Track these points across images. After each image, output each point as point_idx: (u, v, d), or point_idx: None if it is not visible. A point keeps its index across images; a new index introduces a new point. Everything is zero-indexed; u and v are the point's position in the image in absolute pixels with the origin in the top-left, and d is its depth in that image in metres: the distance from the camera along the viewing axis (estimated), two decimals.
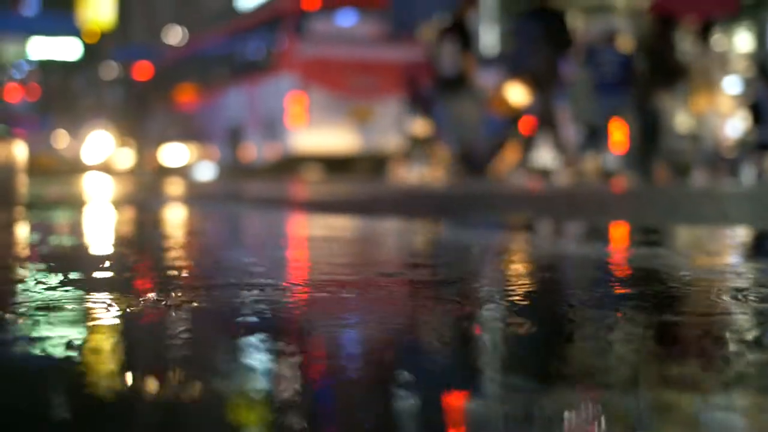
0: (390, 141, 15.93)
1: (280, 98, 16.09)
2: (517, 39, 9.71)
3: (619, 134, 11.60)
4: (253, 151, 17.22)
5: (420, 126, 14.33)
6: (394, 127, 15.95)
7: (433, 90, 12.86)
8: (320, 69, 15.73)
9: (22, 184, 5.03)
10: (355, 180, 12.30)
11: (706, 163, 10.88)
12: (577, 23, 11.49)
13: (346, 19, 16.50)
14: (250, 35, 18.60)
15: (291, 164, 16.36)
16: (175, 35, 32.45)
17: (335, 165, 16.24)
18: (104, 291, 1.77)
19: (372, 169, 16.37)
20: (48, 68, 28.64)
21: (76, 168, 21.64)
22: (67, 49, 36.78)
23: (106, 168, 22.95)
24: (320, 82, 15.70)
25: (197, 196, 7.12)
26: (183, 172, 20.24)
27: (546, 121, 9.99)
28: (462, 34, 11.68)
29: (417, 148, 14.45)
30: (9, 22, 40.08)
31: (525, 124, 13.13)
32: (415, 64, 15.06)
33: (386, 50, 16.19)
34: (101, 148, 23.56)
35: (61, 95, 24.10)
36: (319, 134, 15.67)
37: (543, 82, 9.57)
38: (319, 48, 15.84)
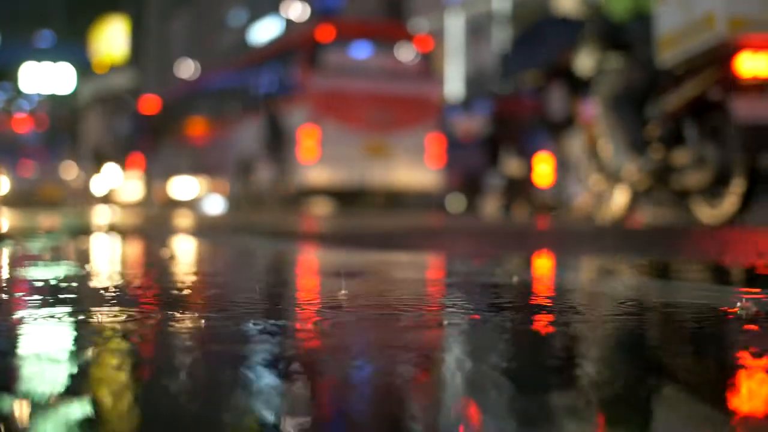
0: (405, 175, 15.61)
1: (292, 131, 15.79)
2: None
3: None
4: (264, 184, 16.90)
5: (515, 166, 14.33)
6: (408, 161, 15.64)
7: (536, 131, 13.04)
8: (333, 102, 15.43)
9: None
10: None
11: None
12: None
13: (361, 52, 16.23)
14: (262, 68, 18.37)
15: (302, 198, 16.02)
16: (187, 69, 32.39)
17: (348, 199, 15.88)
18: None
19: (386, 204, 16.01)
20: (57, 99, 28.63)
21: (84, 199, 21.36)
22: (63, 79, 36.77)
23: (114, 200, 22.67)
24: (333, 115, 15.39)
25: (205, 231, 6.75)
26: (192, 205, 19.93)
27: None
28: (570, 78, 11.76)
29: (513, 187, 14.50)
30: (24, 52, 40.30)
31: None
32: (507, 107, 15.20)
33: (401, 83, 15.91)
34: (110, 180, 23.32)
35: (70, 127, 23.92)
36: (332, 168, 15.33)
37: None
38: (332, 80, 15.55)
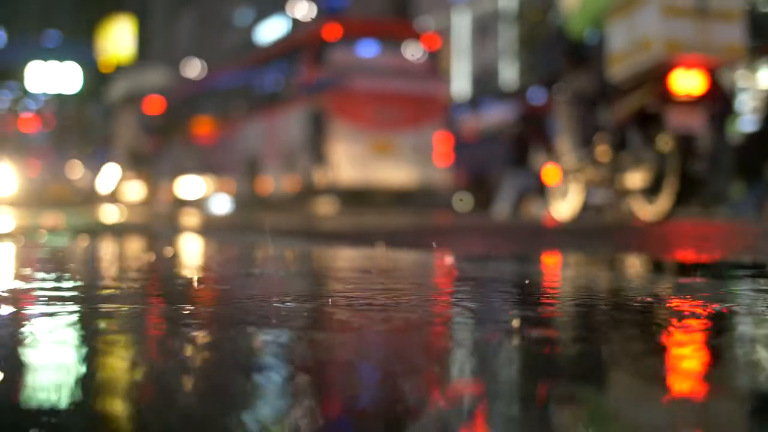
0: (412, 174, 15.54)
1: (299, 130, 15.73)
2: None
3: None
4: (271, 183, 16.85)
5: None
6: (415, 159, 15.57)
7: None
8: (340, 100, 15.35)
9: None
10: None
11: None
12: None
13: (368, 50, 16.16)
14: (269, 67, 18.32)
15: (309, 197, 15.96)
16: (193, 68, 32.37)
17: (355, 198, 15.80)
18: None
19: (393, 203, 15.94)
20: (63, 99, 28.62)
21: (90, 199, 21.34)
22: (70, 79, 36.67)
23: (120, 199, 22.65)
24: (340, 113, 15.32)
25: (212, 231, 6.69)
26: (199, 204, 19.90)
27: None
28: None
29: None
30: (30, 52, 40.35)
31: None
32: (534, 106, 15.18)
33: (408, 82, 15.83)
34: (116, 179, 23.29)
35: (77, 126, 23.90)
36: (339, 167, 15.26)
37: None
38: (339, 79, 15.47)
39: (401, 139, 15.54)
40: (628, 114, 7.52)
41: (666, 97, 7.08)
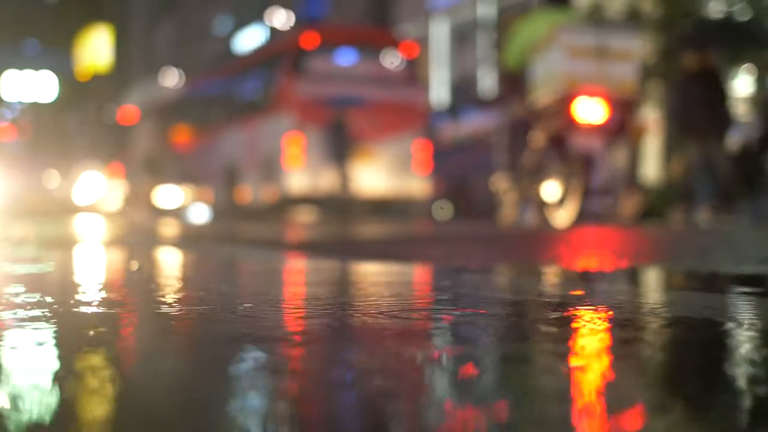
0: (391, 182, 15.50)
1: (277, 139, 15.66)
2: (681, 98, 10.52)
3: None
4: (250, 192, 16.76)
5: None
6: (394, 168, 15.54)
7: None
8: (319, 109, 15.29)
9: None
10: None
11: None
12: None
13: (346, 58, 16.13)
14: (247, 76, 18.24)
15: (288, 206, 15.88)
16: (171, 78, 32.23)
17: (334, 207, 15.75)
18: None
19: (372, 212, 15.90)
20: (40, 107, 28.41)
21: (67, 208, 21.17)
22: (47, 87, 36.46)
23: (97, 209, 22.48)
24: (319, 122, 15.26)
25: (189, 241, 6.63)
26: (177, 214, 19.78)
27: (708, 170, 10.44)
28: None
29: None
30: (7, 61, 40.11)
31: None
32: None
33: (387, 90, 15.80)
34: (93, 189, 23.11)
35: (53, 134, 23.74)
36: (318, 176, 15.20)
37: (707, 137, 10.28)
38: (317, 87, 15.42)
39: (380, 147, 15.51)
40: (544, 137, 8.74)
41: (570, 124, 8.35)
